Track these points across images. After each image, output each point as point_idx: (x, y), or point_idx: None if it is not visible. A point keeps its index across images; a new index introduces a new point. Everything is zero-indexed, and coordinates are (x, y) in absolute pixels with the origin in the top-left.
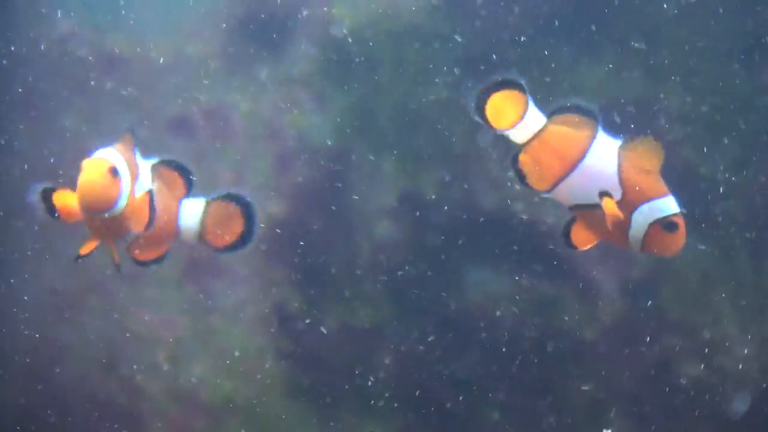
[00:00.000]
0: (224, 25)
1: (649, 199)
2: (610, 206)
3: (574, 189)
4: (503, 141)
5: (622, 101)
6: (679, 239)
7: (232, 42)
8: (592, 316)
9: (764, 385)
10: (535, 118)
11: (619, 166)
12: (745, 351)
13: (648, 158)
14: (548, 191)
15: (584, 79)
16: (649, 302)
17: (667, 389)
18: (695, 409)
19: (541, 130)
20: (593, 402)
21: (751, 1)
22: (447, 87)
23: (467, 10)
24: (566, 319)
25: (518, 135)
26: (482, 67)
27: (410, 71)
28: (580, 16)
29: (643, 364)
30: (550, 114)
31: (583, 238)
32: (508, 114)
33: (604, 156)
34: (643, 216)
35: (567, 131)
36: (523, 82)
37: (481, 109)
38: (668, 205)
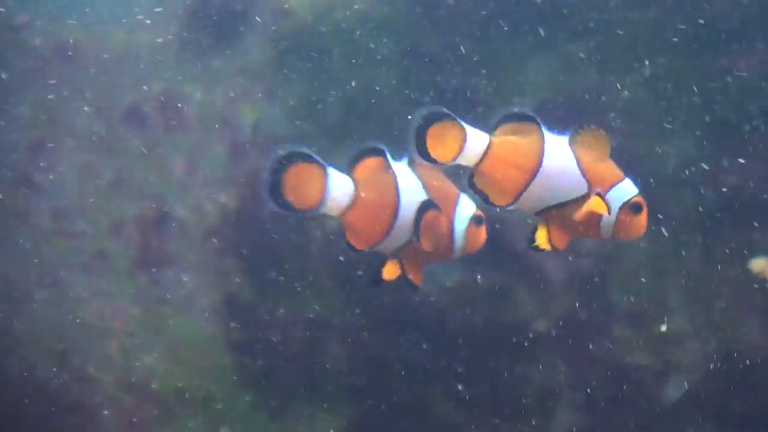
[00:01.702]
0: (178, 16)
1: (612, 186)
2: (597, 204)
3: (540, 194)
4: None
5: (573, 95)
6: (644, 219)
7: (186, 32)
8: (542, 307)
9: (711, 374)
10: (477, 139)
11: (577, 160)
12: (694, 342)
13: (597, 146)
14: (512, 204)
15: (534, 71)
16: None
17: (617, 379)
18: (644, 400)
19: (488, 148)
20: (544, 392)
21: None
22: (398, 76)
23: (419, 0)
24: (517, 310)
25: (467, 159)
26: (426, 59)
27: (362, 61)
28: (530, 9)
29: (592, 355)
30: (491, 130)
31: (559, 239)
32: (450, 145)
33: (559, 155)
34: (612, 203)
35: (516, 141)
36: (447, 111)
37: (423, 151)
38: (628, 188)
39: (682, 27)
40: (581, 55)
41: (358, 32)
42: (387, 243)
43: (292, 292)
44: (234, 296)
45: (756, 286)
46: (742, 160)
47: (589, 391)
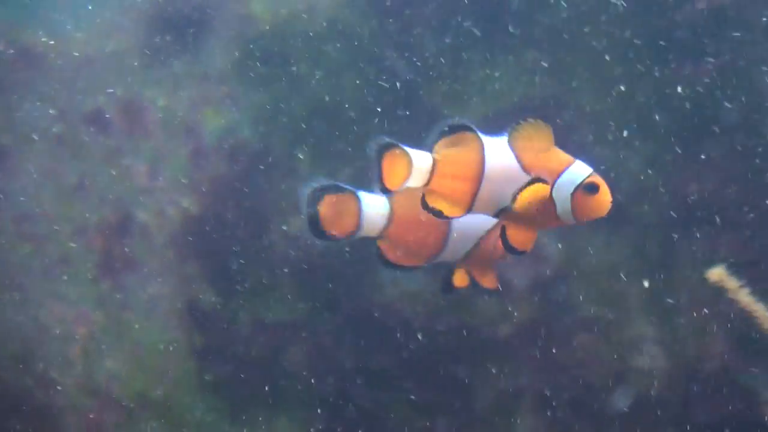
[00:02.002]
0: (142, 20)
1: (559, 174)
2: (535, 192)
3: (489, 199)
4: (416, 137)
5: (532, 103)
6: (604, 196)
7: (149, 37)
8: (505, 313)
9: (671, 380)
10: (421, 159)
11: (518, 157)
12: (655, 348)
13: (537, 137)
14: (467, 212)
15: (499, 79)
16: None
17: (578, 385)
18: (604, 406)
19: (433, 166)
20: (504, 398)
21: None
22: (362, 84)
23: (383, 7)
24: (479, 315)
25: (416, 181)
26: (388, 66)
27: (325, 67)
28: (493, 16)
29: (555, 361)
30: (429, 147)
31: (522, 239)
32: (398, 171)
33: (499, 157)
34: (562, 190)
35: (456, 152)
36: (390, 140)
37: (382, 184)
38: (579, 170)
39: (641, 36)
40: (542, 63)
41: (321, 38)
42: (446, 254)
43: (254, 297)
44: (196, 301)
45: (715, 293)
46: (701, 168)
47: (550, 396)
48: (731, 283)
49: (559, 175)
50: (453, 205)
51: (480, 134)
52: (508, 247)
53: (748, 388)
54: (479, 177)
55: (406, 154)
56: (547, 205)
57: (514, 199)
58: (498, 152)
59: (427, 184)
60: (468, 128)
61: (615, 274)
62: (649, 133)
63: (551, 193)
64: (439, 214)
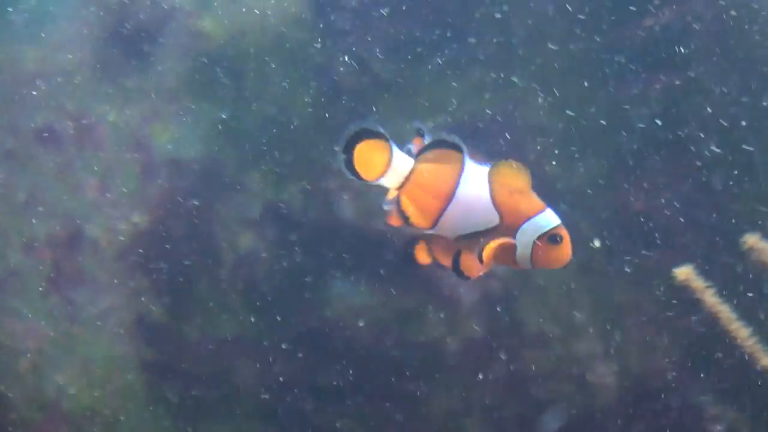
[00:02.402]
0: (93, 35)
1: (527, 218)
2: (491, 249)
3: (454, 222)
4: None
5: (482, 118)
6: (565, 249)
7: (100, 52)
8: (453, 328)
9: (622, 397)
10: (402, 162)
11: (491, 191)
12: (602, 364)
13: (516, 178)
14: (432, 228)
15: (448, 94)
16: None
17: (526, 401)
18: (552, 422)
19: (411, 172)
20: (453, 414)
21: (614, 18)
22: (312, 99)
23: (334, 24)
24: (428, 331)
25: (390, 181)
26: (339, 82)
27: (276, 83)
28: (445, 32)
29: (502, 377)
30: (416, 154)
31: (473, 268)
32: (376, 164)
33: (475, 185)
34: (526, 235)
35: (436, 167)
36: (381, 129)
37: (349, 164)
38: (547, 219)
39: (590, 52)
40: (492, 75)
41: (271, 54)
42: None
43: (203, 312)
44: (146, 316)
45: (663, 308)
46: (648, 185)
47: (498, 413)
48: (697, 283)
49: (526, 220)
50: (422, 217)
51: (466, 158)
52: (456, 270)
53: (695, 405)
54: (449, 198)
55: (390, 150)
56: (509, 246)
57: (480, 250)
58: (474, 180)
59: (401, 187)
60: (457, 147)
61: (564, 289)
62: (597, 149)
63: (513, 236)
64: (407, 220)
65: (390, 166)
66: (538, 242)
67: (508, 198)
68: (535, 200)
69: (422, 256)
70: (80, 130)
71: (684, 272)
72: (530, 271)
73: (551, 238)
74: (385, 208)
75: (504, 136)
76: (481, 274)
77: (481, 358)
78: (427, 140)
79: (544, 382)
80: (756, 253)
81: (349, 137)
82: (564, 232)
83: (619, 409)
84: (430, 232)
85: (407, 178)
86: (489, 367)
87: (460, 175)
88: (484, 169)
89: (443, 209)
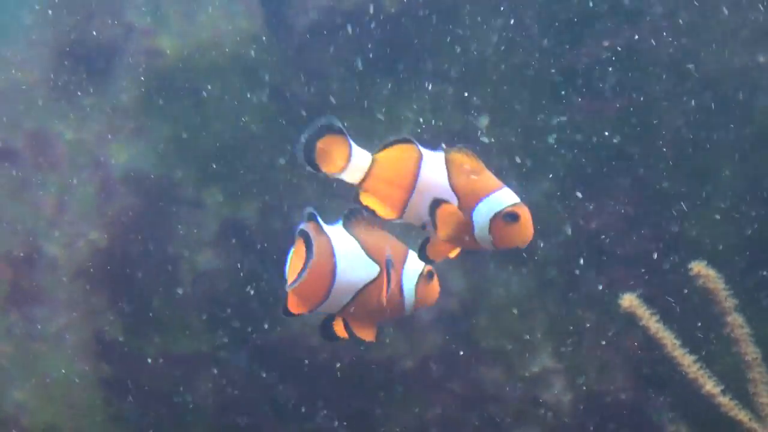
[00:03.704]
0: (50, 54)
1: (482, 198)
2: (446, 213)
3: (418, 209)
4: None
5: (438, 135)
6: (524, 226)
7: (57, 70)
8: (410, 345)
9: (579, 415)
10: (361, 157)
11: (448, 175)
12: (558, 382)
13: (470, 160)
14: (397, 219)
15: (402, 110)
16: None
17: (483, 418)
18: None
19: (371, 166)
20: (411, 431)
21: (567, 36)
22: (268, 117)
23: (290, 41)
24: (385, 348)
25: (351, 176)
26: (296, 100)
27: (232, 101)
28: (400, 49)
29: (459, 394)
30: (374, 153)
31: (438, 252)
32: (336, 158)
33: (432, 171)
34: (482, 215)
35: (395, 159)
36: (340, 125)
37: (310, 158)
38: (503, 197)
39: (547, 71)
40: (448, 93)
41: (227, 72)
42: (329, 304)
43: (161, 329)
44: (104, 333)
45: (619, 327)
46: (604, 203)
47: (455, 430)
48: (641, 311)
49: (480, 199)
50: (388, 208)
51: (419, 147)
52: (423, 257)
53: (653, 422)
54: (411, 186)
55: (349, 145)
56: (467, 225)
57: (434, 223)
58: (432, 165)
59: (362, 182)
60: (408, 141)
61: (520, 307)
62: (553, 167)
63: (471, 215)
64: (372, 213)
65: (349, 162)
66: (494, 220)
67: (465, 180)
68: (492, 180)
69: (340, 330)
70: (37, 148)
71: (628, 299)
72: (485, 289)
73: (507, 216)
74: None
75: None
76: (449, 256)
77: (437, 376)
78: (319, 224)
79: (501, 400)
80: (702, 279)
81: (311, 133)
82: (522, 210)
83: (577, 426)
84: (398, 221)
85: (368, 173)
86: (446, 385)
87: (418, 164)
88: (440, 155)
89: (407, 199)
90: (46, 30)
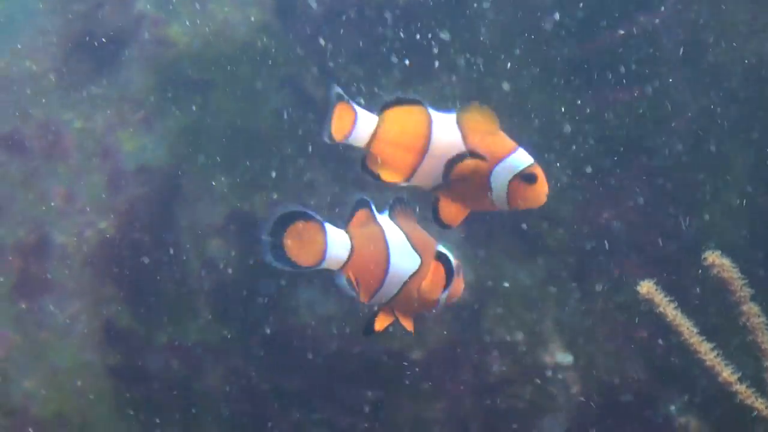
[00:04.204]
0: (59, 43)
1: (500, 159)
2: (470, 165)
3: (431, 171)
4: (332, 165)
5: None
6: (541, 187)
7: (66, 60)
8: (418, 337)
9: (589, 406)
10: (366, 120)
11: (463, 136)
12: (571, 375)
13: (484, 120)
14: (407, 181)
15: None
16: None
17: (492, 412)
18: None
19: (377, 128)
20: (419, 422)
21: (583, 28)
22: (277, 108)
23: (300, 30)
24: (394, 339)
25: (358, 139)
26: (306, 90)
27: (242, 92)
28: (411, 41)
29: (468, 386)
30: (378, 111)
31: (453, 215)
32: (343, 124)
33: (445, 132)
34: (500, 177)
35: (403, 121)
36: (340, 90)
37: (327, 129)
38: (520, 159)
39: (561, 61)
40: (459, 81)
41: (237, 62)
42: (380, 295)
43: (170, 319)
44: (113, 322)
45: (631, 317)
46: (617, 194)
47: (465, 422)
48: (659, 298)
49: (499, 161)
50: (394, 171)
51: (428, 108)
52: (437, 220)
53: (664, 415)
54: (424, 150)
55: (353, 110)
56: (484, 186)
57: (449, 167)
58: (444, 128)
59: (369, 146)
60: (417, 102)
61: (530, 299)
62: (564, 158)
63: (489, 177)
64: (377, 178)
65: (355, 125)
66: (512, 182)
67: (480, 141)
68: (507, 140)
69: (382, 322)
70: (47, 138)
71: (646, 286)
72: (496, 279)
73: (525, 177)
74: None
75: None
76: (461, 219)
77: (447, 367)
78: (372, 213)
79: (511, 390)
80: (716, 269)
81: (333, 101)
82: (538, 171)
83: (584, 417)
84: (404, 184)
85: (374, 136)
86: (455, 376)
87: (429, 126)
88: (451, 117)
89: (418, 162)
90: (56, 19)
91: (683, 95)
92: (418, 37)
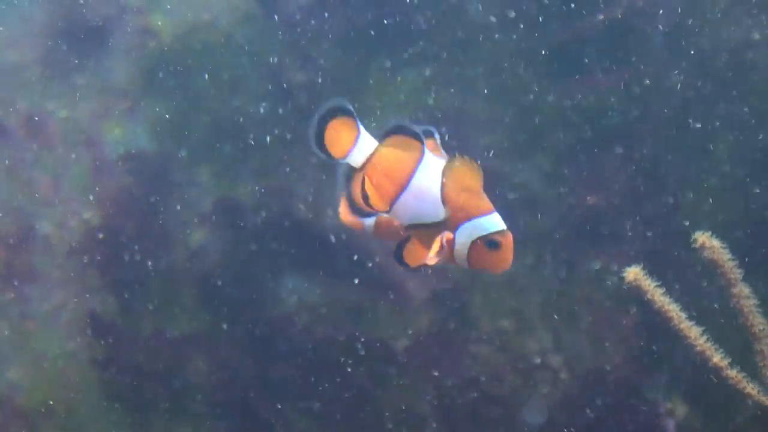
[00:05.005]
0: (43, 33)
1: (471, 218)
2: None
3: (407, 209)
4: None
5: (433, 114)
6: (503, 255)
7: (50, 49)
8: (404, 324)
9: (572, 393)
10: (366, 142)
11: (442, 186)
12: (555, 361)
13: (469, 176)
14: (387, 211)
15: (399, 89)
16: None
17: (479, 398)
18: (504, 419)
19: (373, 153)
20: (405, 411)
21: (562, 13)
22: (262, 96)
23: (283, 20)
24: (379, 327)
25: (354, 159)
26: (290, 80)
27: (226, 80)
28: (397, 28)
29: (455, 374)
30: (381, 137)
31: (413, 256)
32: (344, 141)
33: (429, 176)
34: (465, 234)
35: (396, 153)
36: (351, 107)
37: (320, 142)
38: (491, 223)
39: (541, 47)
40: (441, 71)
41: (221, 52)
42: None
43: (156, 308)
44: (98, 312)
45: (616, 304)
46: (600, 180)
47: (450, 410)
48: (646, 283)
49: (469, 219)
50: (379, 199)
51: (425, 148)
52: (397, 256)
53: (648, 399)
54: (404, 185)
55: (357, 129)
56: (450, 242)
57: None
58: (429, 172)
59: (363, 167)
60: (418, 137)
61: (516, 286)
62: (548, 144)
63: (455, 232)
64: (366, 199)
65: (356, 145)
66: (475, 243)
67: (456, 195)
68: (484, 202)
69: (411, 258)
70: (31, 128)
71: (633, 272)
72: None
73: (490, 242)
74: (340, 194)
75: (453, 131)
76: (425, 263)
77: (433, 355)
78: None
79: (496, 378)
80: (706, 251)
81: (323, 114)
82: (506, 240)
83: (571, 403)
84: (386, 216)
85: (369, 159)
86: (441, 363)
87: (418, 164)
88: (440, 163)
89: (399, 194)
90: (39, 8)
91: (665, 80)
92: (400, 26)
